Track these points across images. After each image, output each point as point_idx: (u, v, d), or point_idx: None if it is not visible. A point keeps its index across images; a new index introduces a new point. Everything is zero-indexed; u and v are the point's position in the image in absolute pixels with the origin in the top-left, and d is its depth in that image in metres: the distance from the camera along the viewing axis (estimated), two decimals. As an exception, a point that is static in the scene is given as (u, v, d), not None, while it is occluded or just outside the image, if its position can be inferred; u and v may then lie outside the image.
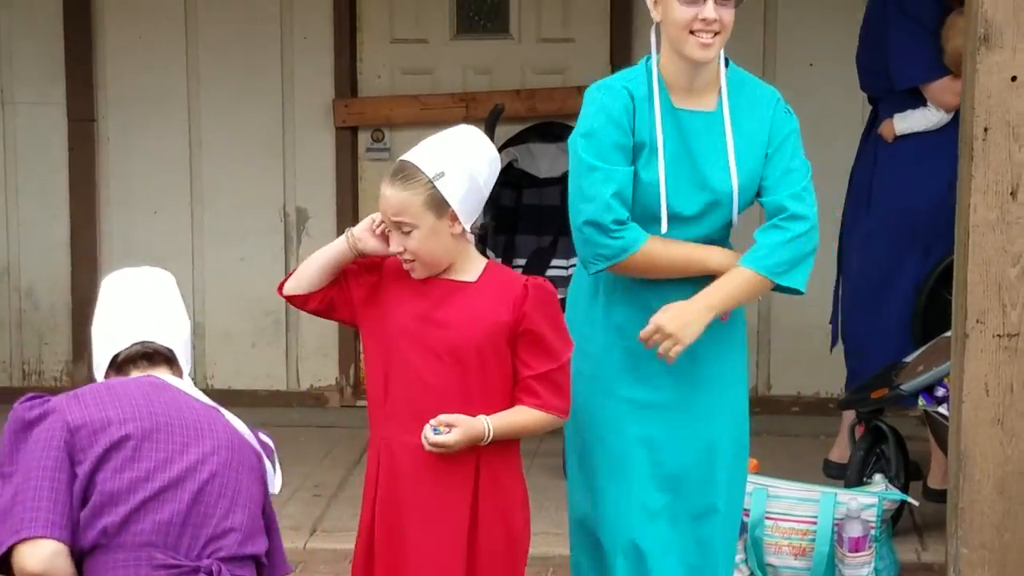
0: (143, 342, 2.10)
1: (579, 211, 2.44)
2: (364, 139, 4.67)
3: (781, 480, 3.45)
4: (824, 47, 4.26)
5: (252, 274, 4.65)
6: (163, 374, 2.11)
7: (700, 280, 2.51)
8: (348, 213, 4.72)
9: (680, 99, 2.43)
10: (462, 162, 2.24)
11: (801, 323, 4.32)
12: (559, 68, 4.62)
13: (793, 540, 3.37)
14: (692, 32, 2.32)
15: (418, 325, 2.24)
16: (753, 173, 2.45)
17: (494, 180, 2.34)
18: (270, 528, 2.14)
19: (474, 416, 2.18)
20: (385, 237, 2.28)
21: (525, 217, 4.06)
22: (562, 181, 3.66)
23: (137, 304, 2.15)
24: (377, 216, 2.30)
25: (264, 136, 4.57)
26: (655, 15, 2.42)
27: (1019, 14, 2.72)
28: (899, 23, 3.56)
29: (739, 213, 2.53)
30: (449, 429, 2.12)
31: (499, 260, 4.01)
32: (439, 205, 2.17)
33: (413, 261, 2.19)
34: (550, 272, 3.93)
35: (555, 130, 4.13)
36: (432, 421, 2.11)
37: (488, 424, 2.17)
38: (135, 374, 2.13)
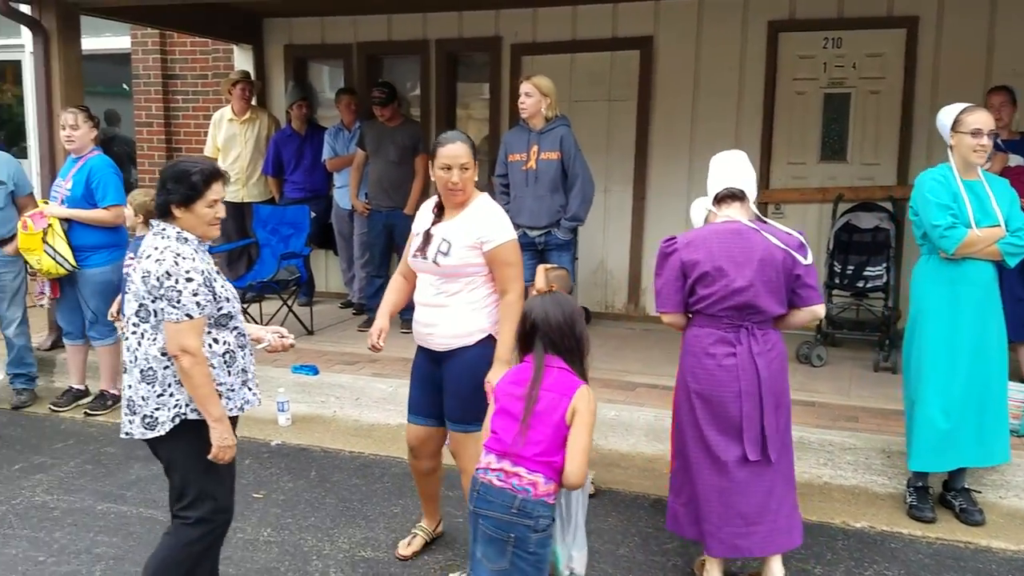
0: (729, 188, 2.73)
1: (934, 227, 3.09)
2: (771, 208, 5.95)
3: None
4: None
5: (621, 244, 6.36)
6: (738, 211, 2.69)
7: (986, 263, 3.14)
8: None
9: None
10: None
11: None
12: (871, 176, 5.79)
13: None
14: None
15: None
16: None
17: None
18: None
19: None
20: None
21: (854, 247, 5.27)
22: (872, 231, 5.17)
23: (729, 168, 2.79)
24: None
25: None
26: None
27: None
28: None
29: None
30: None
31: (840, 267, 5.05)
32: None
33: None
34: (867, 271, 5.12)
35: (868, 207, 5.32)
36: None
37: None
38: (723, 208, 2.70)
